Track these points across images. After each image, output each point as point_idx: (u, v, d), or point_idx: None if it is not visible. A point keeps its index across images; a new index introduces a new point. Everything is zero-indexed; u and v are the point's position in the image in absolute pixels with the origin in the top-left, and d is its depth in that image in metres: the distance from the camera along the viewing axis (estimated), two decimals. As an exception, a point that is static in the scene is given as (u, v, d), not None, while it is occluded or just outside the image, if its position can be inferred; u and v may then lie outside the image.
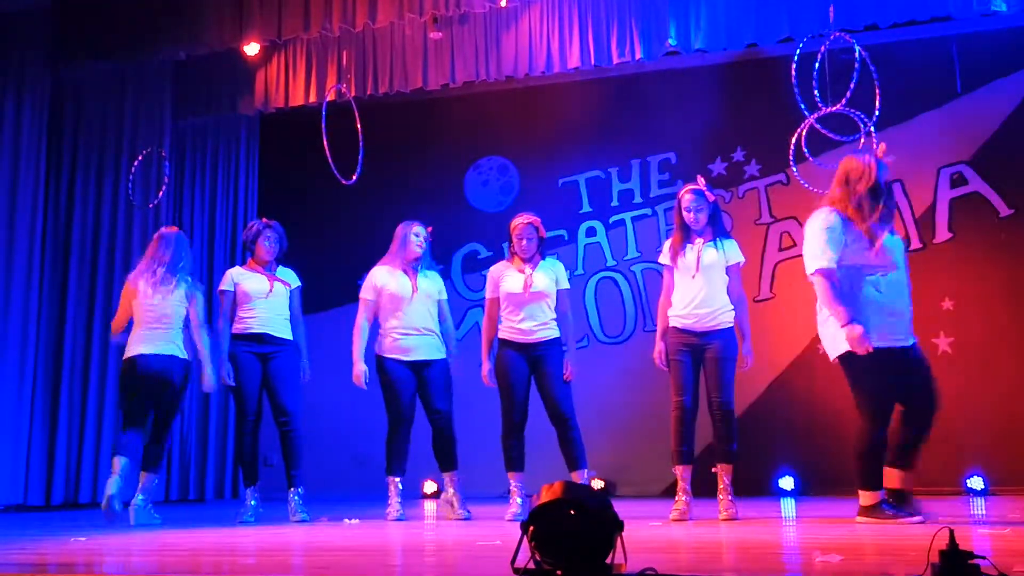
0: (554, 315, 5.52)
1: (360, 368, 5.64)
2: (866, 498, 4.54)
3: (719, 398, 5.10)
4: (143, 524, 5.41)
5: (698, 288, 5.14)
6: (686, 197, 5.22)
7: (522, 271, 5.50)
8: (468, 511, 5.52)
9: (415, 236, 5.83)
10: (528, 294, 5.45)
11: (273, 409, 5.69)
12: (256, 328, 5.69)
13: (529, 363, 5.46)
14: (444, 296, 5.88)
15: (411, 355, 5.66)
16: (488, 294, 5.62)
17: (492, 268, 5.72)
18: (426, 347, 5.70)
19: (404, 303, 5.70)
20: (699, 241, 5.21)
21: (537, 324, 5.45)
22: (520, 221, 5.56)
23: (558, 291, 5.54)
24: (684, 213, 5.21)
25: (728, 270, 5.21)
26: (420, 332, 5.69)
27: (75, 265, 7.99)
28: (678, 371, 5.13)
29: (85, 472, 7.71)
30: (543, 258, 5.59)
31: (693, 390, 5.13)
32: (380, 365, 5.65)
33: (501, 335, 5.53)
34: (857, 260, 4.50)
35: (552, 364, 5.43)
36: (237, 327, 5.70)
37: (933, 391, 4.52)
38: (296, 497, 5.59)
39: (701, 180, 5.27)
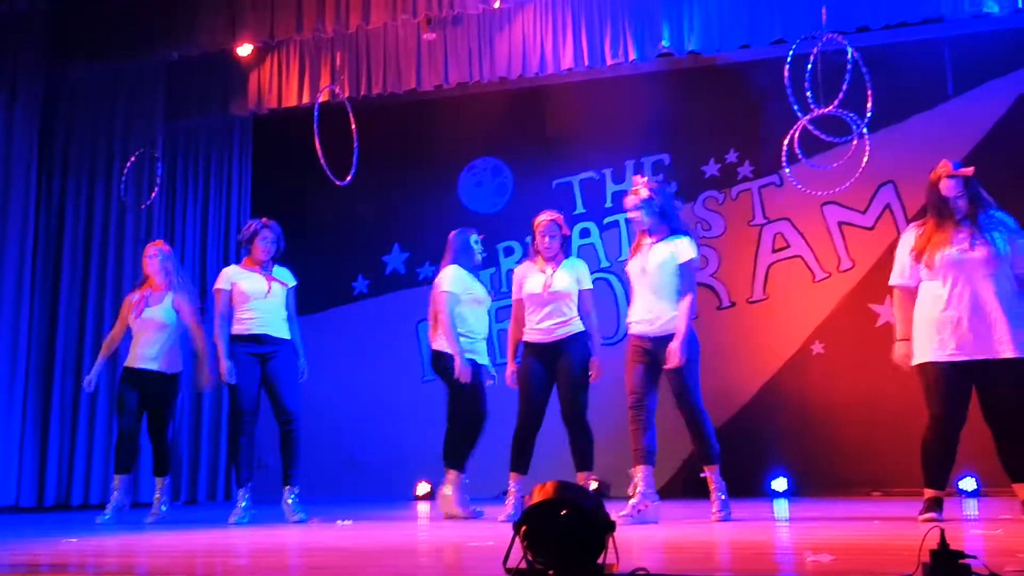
0: (575, 314, 5.44)
1: (464, 361, 5.55)
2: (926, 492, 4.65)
3: (686, 404, 4.95)
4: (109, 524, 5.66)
5: (648, 292, 5.03)
6: (625, 200, 5.23)
7: (543, 271, 5.47)
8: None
9: (476, 244, 5.85)
10: (547, 294, 5.40)
11: (275, 409, 5.69)
12: (255, 329, 5.68)
13: (549, 365, 5.42)
14: None
15: (480, 359, 5.73)
16: (513, 295, 5.59)
17: (517, 268, 5.71)
18: (487, 353, 5.85)
19: (482, 308, 5.80)
20: (648, 241, 5.14)
21: (556, 323, 5.40)
22: (543, 218, 5.50)
23: (581, 291, 5.47)
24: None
25: (680, 268, 5.02)
26: (486, 339, 5.84)
27: (67, 266, 7.96)
28: (630, 374, 5.02)
29: (77, 474, 7.69)
30: (567, 256, 5.55)
31: (645, 390, 4.97)
32: (448, 366, 5.59)
33: (525, 337, 5.49)
34: (923, 272, 4.66)
35: (568, 361, 5.35)
36: (236, 328, 5.68)
37: (999, 412, 4.51)
38: (292, 496, 5.58)
39: (638, 179, 5.25)
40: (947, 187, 4.63)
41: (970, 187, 4.65)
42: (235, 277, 5.77)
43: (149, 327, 5.96)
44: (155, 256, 6.03)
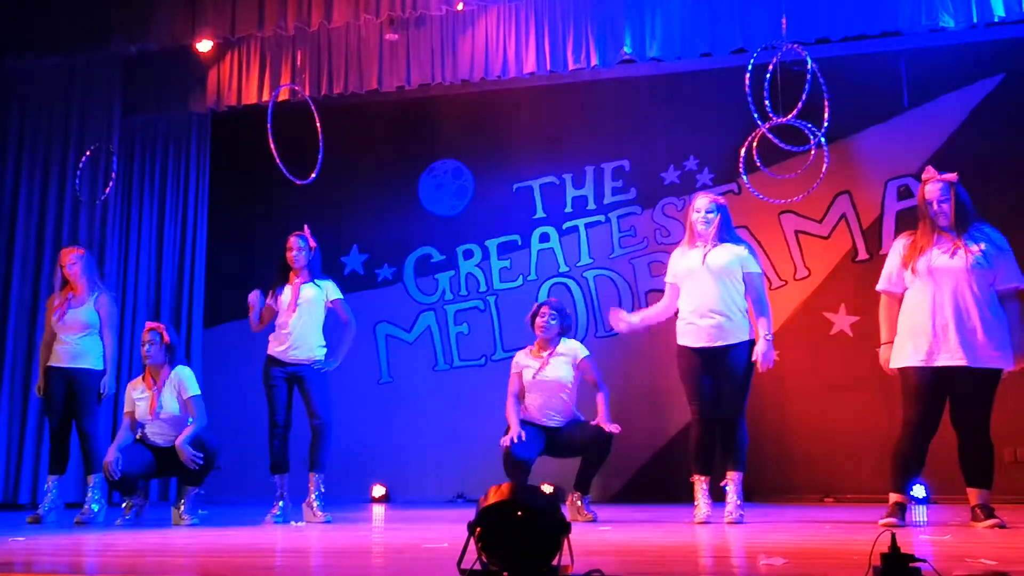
0: None
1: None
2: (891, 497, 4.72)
3: None
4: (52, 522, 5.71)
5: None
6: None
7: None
8: None
9: None
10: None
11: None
12: None
13: None
14: None
15: None
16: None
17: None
18: None
19: None
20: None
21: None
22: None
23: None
24: None
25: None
26: None
27: (18, 262, 7.81)
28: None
29: (25, 472, 7.56)
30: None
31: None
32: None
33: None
34: (908, 279, 4.76)
35: None
36: None
37: (969, 419, 4.60)
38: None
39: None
40: (930, 191, 4.73)
41: (955, 193, 4.71)
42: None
43: (73, 327, 5.97)
44: (76, 263, 6.03)
